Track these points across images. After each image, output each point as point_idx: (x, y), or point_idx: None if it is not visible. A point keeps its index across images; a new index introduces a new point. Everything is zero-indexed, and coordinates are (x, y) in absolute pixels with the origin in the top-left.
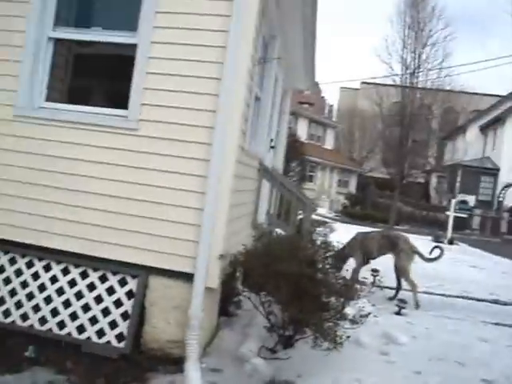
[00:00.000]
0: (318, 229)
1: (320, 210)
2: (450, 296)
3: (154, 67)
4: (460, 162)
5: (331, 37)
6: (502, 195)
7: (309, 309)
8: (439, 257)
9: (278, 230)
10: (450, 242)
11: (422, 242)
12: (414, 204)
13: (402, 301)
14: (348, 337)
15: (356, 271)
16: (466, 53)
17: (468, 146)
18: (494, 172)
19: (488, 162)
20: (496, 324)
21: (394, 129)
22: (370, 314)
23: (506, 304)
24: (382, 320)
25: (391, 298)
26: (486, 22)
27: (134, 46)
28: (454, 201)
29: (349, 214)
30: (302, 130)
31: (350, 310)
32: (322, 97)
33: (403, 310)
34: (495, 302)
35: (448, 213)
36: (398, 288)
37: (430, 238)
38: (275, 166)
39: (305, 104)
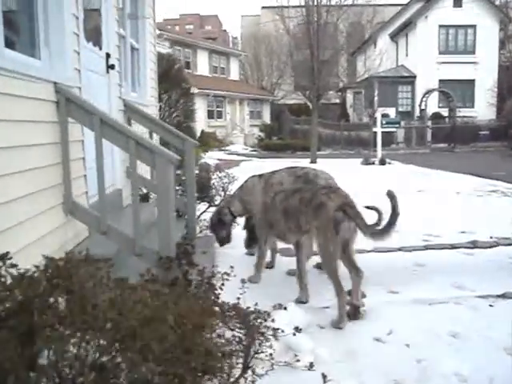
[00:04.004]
0: (216, 175)
1: (234, 147)
2: (413, 249)
3: None
4: (375, 74)
5: None
6: (423, 103)
7: None
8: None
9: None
10: (382, 163)
11: (352, 168)
12: (333, 126)
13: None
14: None
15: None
16: None
17: (380, 57)
18: (410, 80)
19: (403, 71)
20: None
21: (303, 51)
22: None
23: (490, 246)
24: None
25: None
26: None
27: None
28: (379, 115)
29: (266, 147)
30: (203, 63)
31: None
32: (224, 30)
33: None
34: (473, 245)
35: (375, 129)
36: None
37: (359, 160)
38: (137, 101)
39: (207, 40)
